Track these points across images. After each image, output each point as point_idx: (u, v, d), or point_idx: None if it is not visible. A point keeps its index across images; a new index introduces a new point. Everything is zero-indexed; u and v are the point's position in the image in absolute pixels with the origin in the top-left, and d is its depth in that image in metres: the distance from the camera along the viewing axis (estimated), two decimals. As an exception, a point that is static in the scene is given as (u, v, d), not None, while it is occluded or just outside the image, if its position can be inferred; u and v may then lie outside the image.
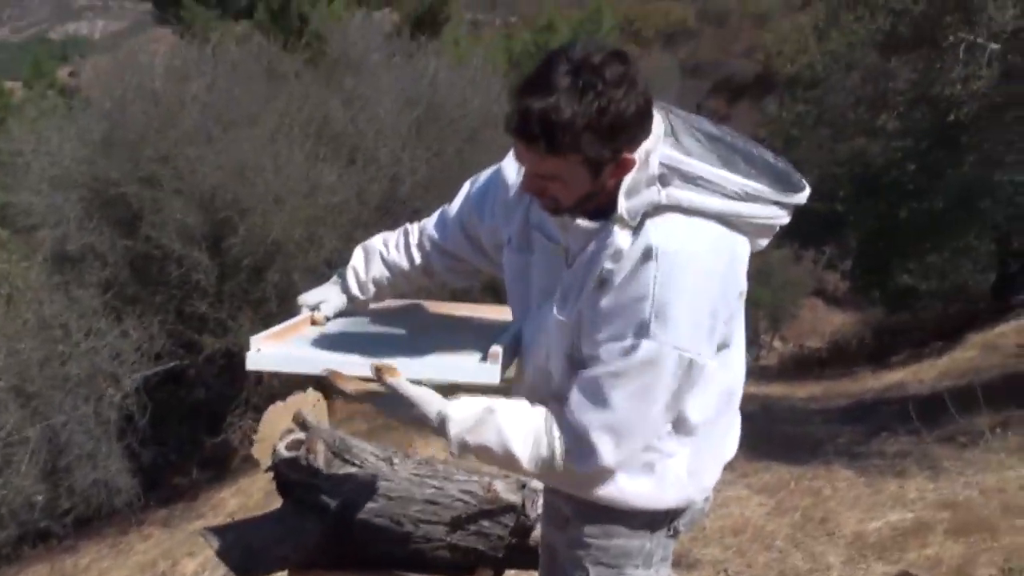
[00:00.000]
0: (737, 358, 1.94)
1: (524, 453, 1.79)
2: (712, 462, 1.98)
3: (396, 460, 2.90)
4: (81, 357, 7.76)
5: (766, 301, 25.33)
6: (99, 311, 8.00)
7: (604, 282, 1.73)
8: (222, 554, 2.77)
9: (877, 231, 13.00)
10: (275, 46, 9.84)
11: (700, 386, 1.80)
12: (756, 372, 15.26)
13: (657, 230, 1.71)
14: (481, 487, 2.79)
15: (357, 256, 2.30)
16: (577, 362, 1.85)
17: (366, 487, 2.82)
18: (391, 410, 1.81)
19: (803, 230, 14.64)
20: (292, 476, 2.85)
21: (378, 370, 1.75)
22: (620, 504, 1.90)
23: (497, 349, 1.83)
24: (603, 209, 1.76)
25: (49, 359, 7.70)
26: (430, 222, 2.27)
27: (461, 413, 1.79)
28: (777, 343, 25.56)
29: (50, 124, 9.45)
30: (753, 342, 25.10)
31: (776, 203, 1.81)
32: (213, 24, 12.67)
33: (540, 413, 1.81)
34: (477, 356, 1.86)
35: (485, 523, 2.76)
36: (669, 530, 2.00)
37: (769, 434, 6.80)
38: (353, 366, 1.83)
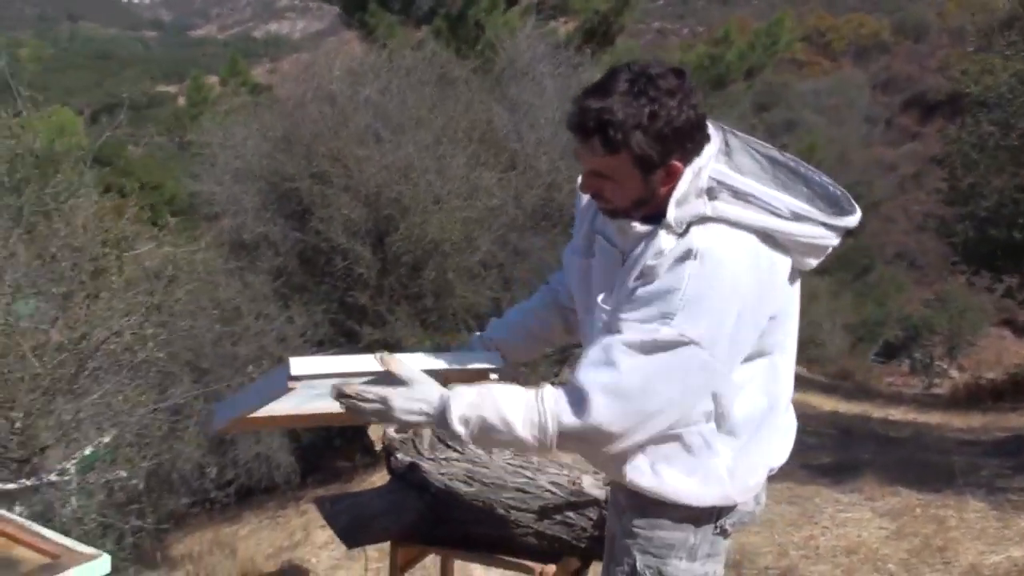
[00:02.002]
0: (781, 369, 2.07)
1: (518, 418, 1.90)
2: (755, 465, 2.08)
3: (495, 449, 3.12)
4: (250, 339, 8.30)
5: (942, 327, 24.44)
6: (269, 297, 8.54)
7: (644, 275, 1.90)
8: (331, 521, 3.04)
9: (1059, 262, 12.39)
10: (448, 52, 10.24)
11: (699, 385, 1.92)
12: (922, 400, 14.78)
13: (700, 235, 1.87)
14: (568, 481, 2.98)
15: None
16: None
17: (464, 471, 3.04)
18: (388, 412, 1.96)
19: (978, 256, 14.08)
20: (399, 456, 3.11)
21: (382, 358, 1.97)
22: (663, 495, 2.04)
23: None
24: (657, 216, 1.93)
25: (221, 339, 8.27)
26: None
27: (460, 393, 1.94)
28: (954, 372, 24.59)
29: (237, 120, 10.13)
30: (927, 368, 24.22)
31: (824, 224, 1.94)
32: (395, 29, 13.22)
33: (532, 389, 1.94)
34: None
35: (570, 514, 2.94)
36: (716, 528, 2.12)
37: (909, 460, 6.69)
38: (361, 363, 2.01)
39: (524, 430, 1.90)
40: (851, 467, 6.29)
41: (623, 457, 2.03)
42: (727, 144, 1.96)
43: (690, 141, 1.88)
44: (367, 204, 8.46)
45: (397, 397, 1.95)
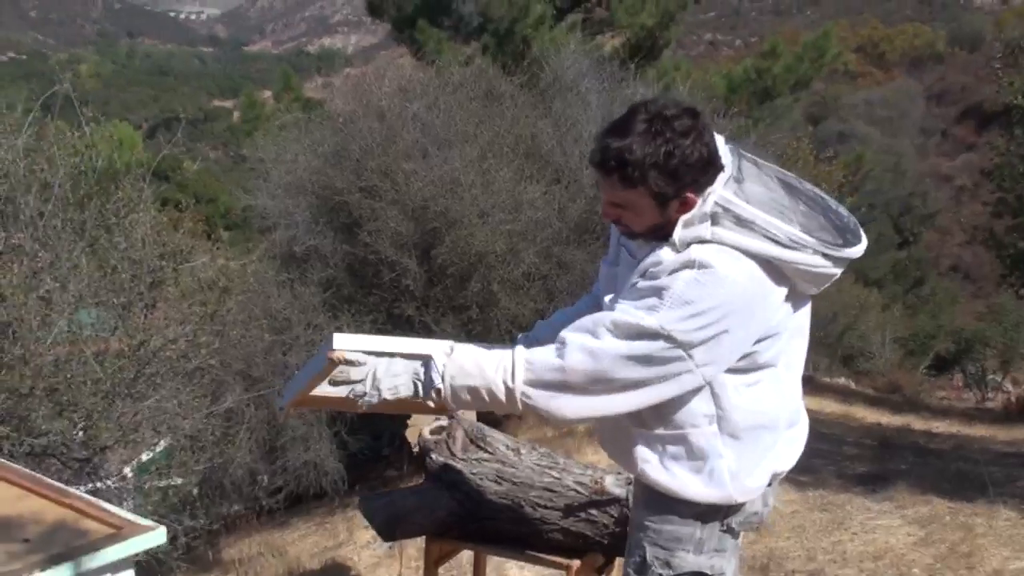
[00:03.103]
0: (787, 382, 2.23)
1: (490, 363, 2.11)
2: (756, 469, 2.23)
3: (523, 451, 3.30)
4: (300, 348, 8.53)
5: (996, 340, 24.13)
6: (318, 307, 8.76)
7: (644, 276, 2.09)
8: (369, 517, 3.24)
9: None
10: (495, 68, 10.45)
11: (662, 380, 2.07)
12: (970, 414, 14.67)
13: (699, 250, 2.05)
14: (592, 480, 3.15)
15: None
16: None
17: (495, 471, 3.22)
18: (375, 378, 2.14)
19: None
20: (433, 457, 3.30)
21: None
22: (669, 490, 2.21)
23: None
24: (668, 235, 2.11)
25: (272, 348, 8.52)
26: None
27: (439, 344, 2.15)
28: (1009, 385, 24.25)
29: (289, 135, 10.42)
30: (980, 381, 23.93)
31: (823, 254, 2.09)
32: (444, 45, 13.46)
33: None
34: None
35: (594, 512, 3.11)
36: (722, 525, 2.28)
37: (944, 471, 6.75)
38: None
39: (494, 373, 2.09)
40: (885, 477, 6.37)
41: (631, 445, 2.23)
42: (740, 171, 2.12)
43: (702, 175, 2.06)
44: (414, 218, 8.66)
45: (381, 367, 2.14)
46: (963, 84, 57.93)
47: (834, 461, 6.90)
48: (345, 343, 2.14)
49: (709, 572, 2.27)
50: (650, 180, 2.04)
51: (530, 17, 12.79)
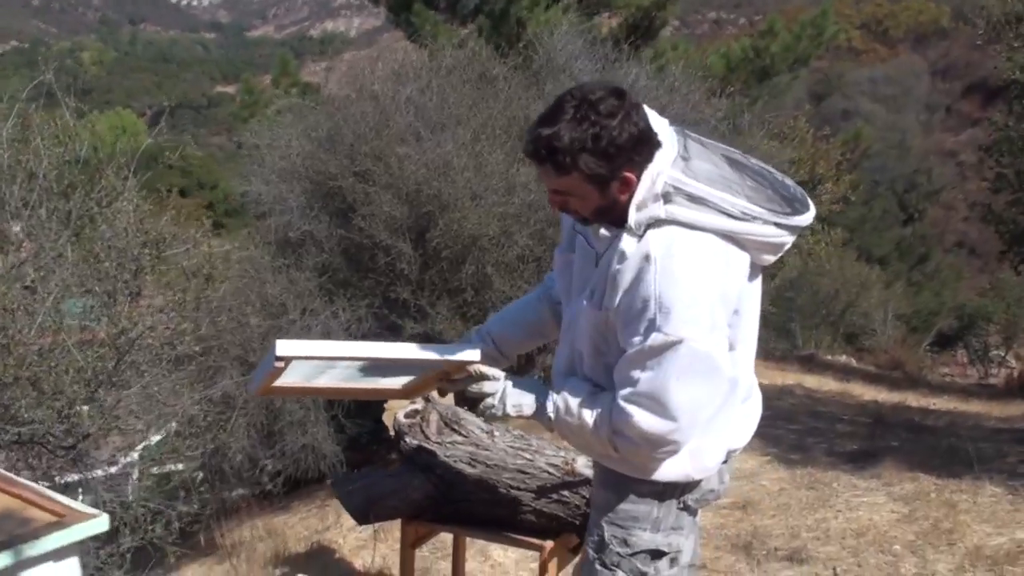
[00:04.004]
0: (741, 359, 2.25)
1: (588, 408, 2.21)
2: (714, 447, 2.27)
3: (497, 433, 3.33)
4: (297, 334, 8.55)
5: (998, 316, 24.12)
6: (314, 292, 8.78)
7: (614, 280, 2.10)
8: (344, 500, 3.27)
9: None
10: (489, 50, 10.43)
11: (707, 373, 2.09)
12: (969, 390, 14.67)
13: (655, 238, 2.07)
14: (563, 461, 3.18)
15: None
16: (603, 353, 2.23)
17: (468, 454, 3.25)
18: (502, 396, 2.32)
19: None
20: (408, 440, 3.32)
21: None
22: (626, 471, 2.25)
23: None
24: (622, 220, 2.13)
25: (269, 333, 8.54)
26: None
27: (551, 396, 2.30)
28: (1012, 360, 24.23)
29: (284, 121, 10.43)
30: (982, 357, 23.95)
31: (775, 224, 2.12)
32: (440, 28, 13.44)
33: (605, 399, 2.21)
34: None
35: (565, 493, 3.14)
36: (679, 503, 2.31)
37: (934, 448, 6.76)
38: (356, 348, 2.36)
39: (589, 417, 2.22)
40: (875, 454, 6.39)
41: None
42: (686, 150, 2.14)
43: (637, 154, 2.07)
44: (408, 201, 8.66)
45: (510, 386, 2.33)
46: (968, 59, 57.60)
47: (827, 439, 6.93)
48: (288, 349, 2.20)
49: (666, 550, 2.30)
50: (582, 164, 2.06)
51: (525, -1, 12.77)
